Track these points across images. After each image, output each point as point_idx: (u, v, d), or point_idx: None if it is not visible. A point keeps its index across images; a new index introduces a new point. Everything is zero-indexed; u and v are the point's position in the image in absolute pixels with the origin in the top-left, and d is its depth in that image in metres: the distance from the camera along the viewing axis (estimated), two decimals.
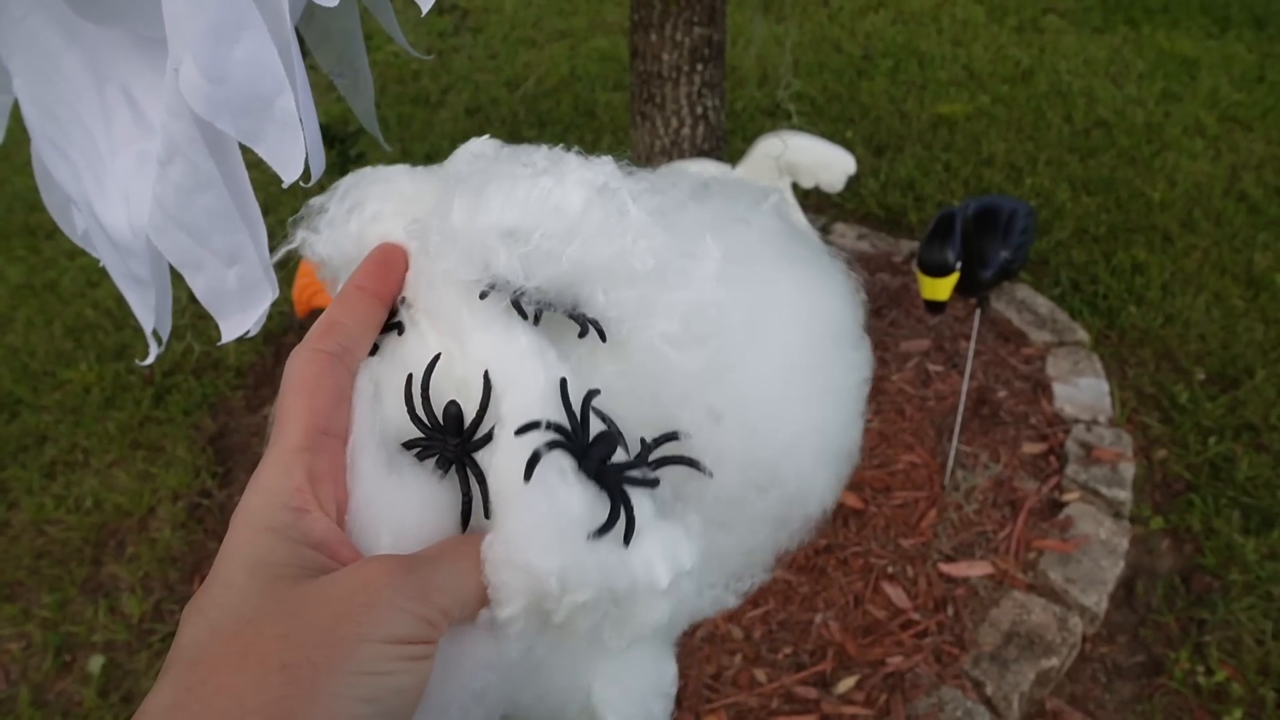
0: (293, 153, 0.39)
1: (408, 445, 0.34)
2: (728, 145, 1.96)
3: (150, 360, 0.51)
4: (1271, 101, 3.31)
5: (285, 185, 0.39)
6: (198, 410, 2.34)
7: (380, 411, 0.34)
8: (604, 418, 0.33)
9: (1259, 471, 1.94)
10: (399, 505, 0.33)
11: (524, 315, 0.33)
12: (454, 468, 0.33)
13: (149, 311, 0.49)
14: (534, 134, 3.42)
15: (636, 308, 0.33)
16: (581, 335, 0.33)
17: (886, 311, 2.38)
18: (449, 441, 0.33)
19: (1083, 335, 2.27)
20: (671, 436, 0.33)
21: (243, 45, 0.37)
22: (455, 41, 4.01)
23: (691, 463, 0.33)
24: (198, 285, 0.45)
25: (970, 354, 1.78)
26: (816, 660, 1.62)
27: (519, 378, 0.32)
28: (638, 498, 0.32)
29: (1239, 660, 1.63)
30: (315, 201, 0.40)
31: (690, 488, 0.34)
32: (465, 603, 0.31)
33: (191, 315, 2.19)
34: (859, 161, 1.68)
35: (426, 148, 3.36)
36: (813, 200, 2.79)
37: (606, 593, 0.31)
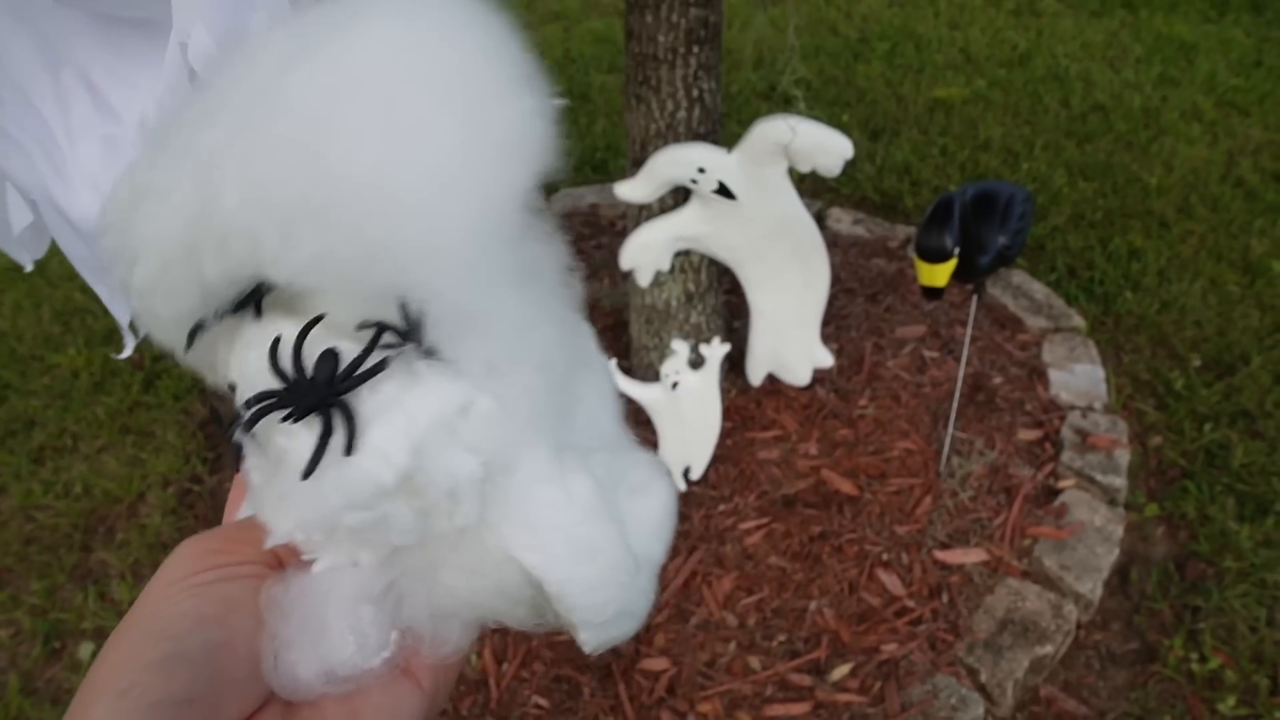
0: None
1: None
2: (723, 128, 1.94)
3: (126, 354, 0.49)
4: (1269, 86, 3.30)
5: None
6: (188, 395, 2.32)
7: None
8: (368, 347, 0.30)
9: (1254, 458, 1.94)
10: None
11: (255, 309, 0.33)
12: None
13: (123, 302, 0.47)
14: None
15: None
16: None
17: (882, 297, 2.37)
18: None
19: (1079, 321, 2.26)
20: (412, 312, 0.31)
21: (261, 15, 0.37)
22: None
23: (400, 331, 0.30)
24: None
25: (966, 340, 1.77)
26: (811, 648, 1.62)
27: (252, 363, 0.32)
28: (369, 389, 0.30)
29: (1233, 647, 1.63)
30: None
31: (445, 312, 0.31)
32: (266, 553, 0.31)
33: None
34: (855, 146, 1.66)
35: None
36: (809, 185, 2.77)
37: (360, 506, 0.29)
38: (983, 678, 1.54)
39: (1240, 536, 1.79)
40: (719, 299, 2.03)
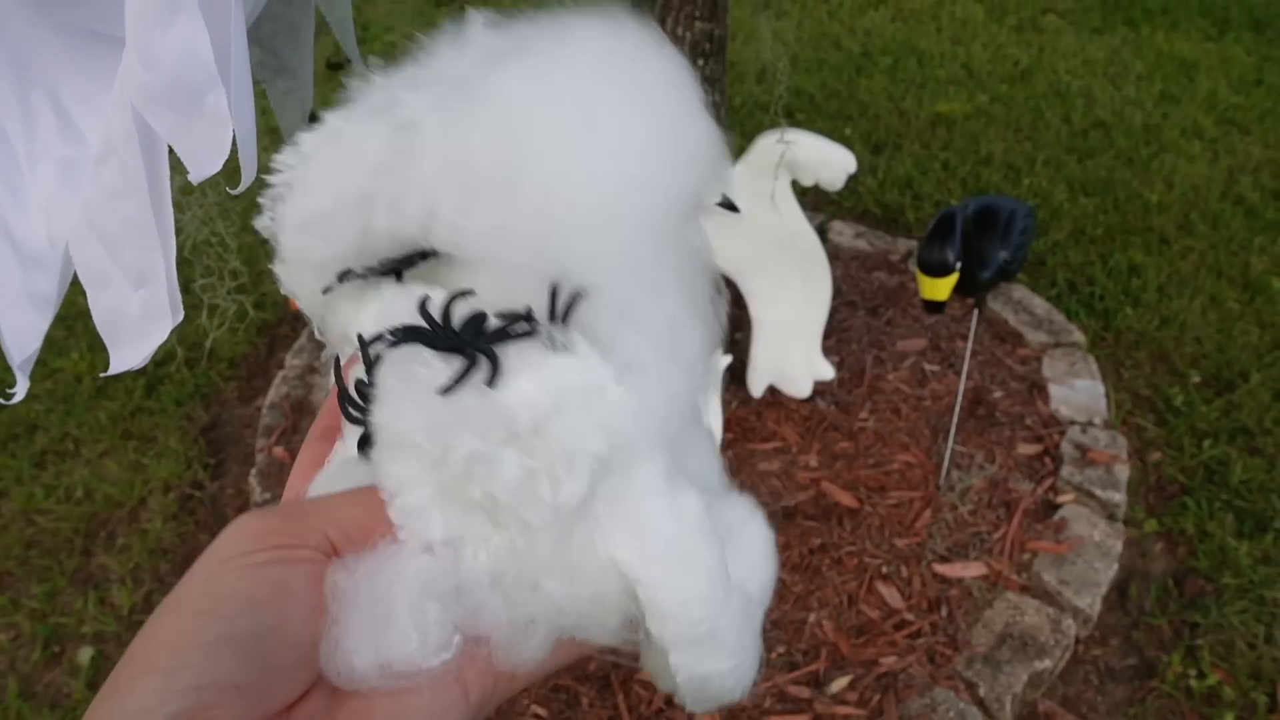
0: (213, 151, 0.37)
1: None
2: (727, 141, 1.95)
3: (18, 398, 0.49)
4: (1269, 105, 3.31)
5: (193, 182, 0.38)
6: (190, 401, 2.33)
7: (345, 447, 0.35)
8: (495, 316, 0.31)
9: (1253, 475, 1.95)
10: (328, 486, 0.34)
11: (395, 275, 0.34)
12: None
13: (35, 336, 0.47)
14: None
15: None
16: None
17: (883, 310, 2.38)
18: (358, 404, 0.32)
19: (1079, 337, 2.27)
20: (568, 295, 0.31)
21: (176, 30, 0.35)
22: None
23: (573, 295, 0.31)
24: (99, 306, 0.43)
25: (967, 354, 1.78)
26: (809, 660, 1.62)
27: (395, 316, 0.32)
28: (515, 349, 0.30)
29: (1231, 664, 1.63)
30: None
31: (604, 308, 0.32)
32: (350, 530, 0.31)
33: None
34: (857, 159, 1.67)
35: None
36: (811, 198, 2.78)
37: (483, 435, 0.29)
38: (981, 692, 1.54)
39: (1239, 553, 1.79)
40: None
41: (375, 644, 0.29)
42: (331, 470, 0.35)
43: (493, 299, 0.32)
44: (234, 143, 0.37)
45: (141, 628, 0.28)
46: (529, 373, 0.30)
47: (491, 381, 0.29)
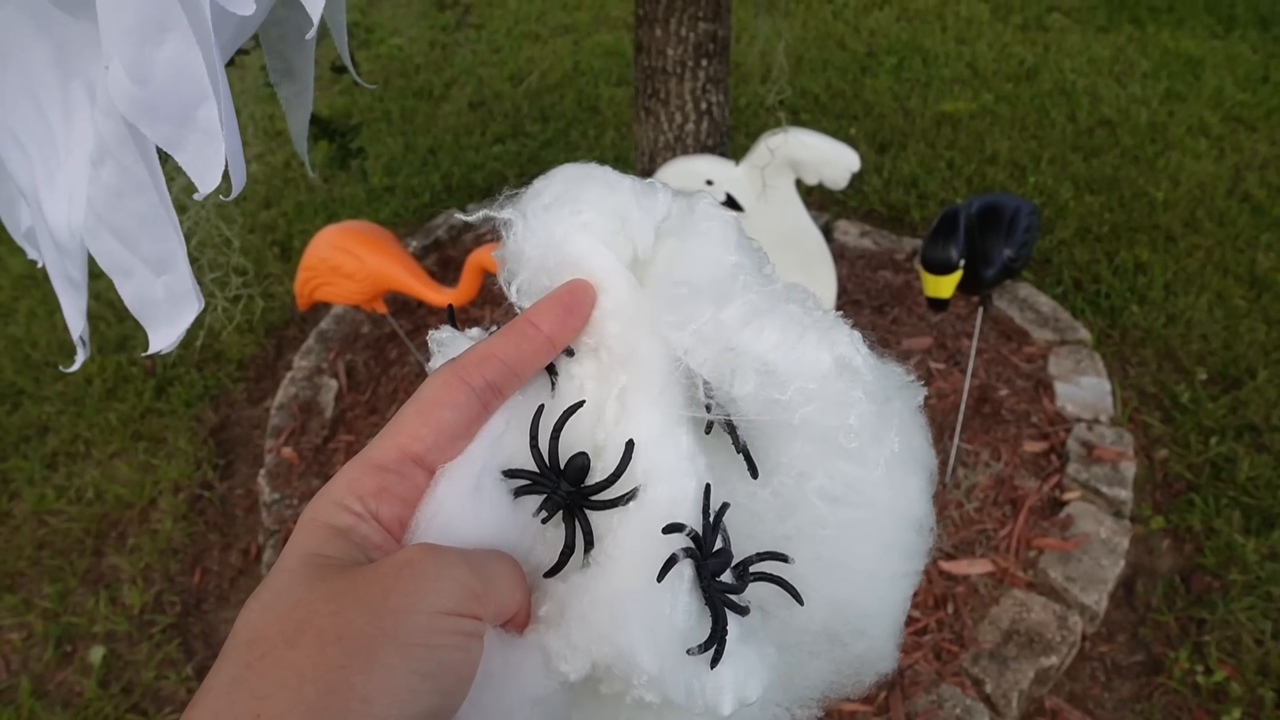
0: (212, 163, 0.38)
1: (510, 474, 0.33)
2: (731, 141, 1.96)
3: (76, 367, 0.50)
4: (1276, 102, 3.31)
5: (200, 196, 0.38)
6: (199, 402, 2.34)
7: (498, 448, 0.34)
8: (724, 533, 0.33)
9: (1260, 472, 1.94)
10: (463, 527, 0.33)
11: (730, 436, 0.35)
12: (560, 513, 0.33)
13: (80, 316, 0.48)
14: (537, 129, 3.42)
15: (807, 462, 0.35)
16: (750, 473, 0.35)
17: (889, 309, 2.38)
18: (561, 486, 0.33)
19: (1085, 334, 2.26)
20: (778, 556, 0.34)
21: (167, 47, 0.36)
22: (457, 34, 4.00)
23: (788, 586, 0.34)
24: (126, 292, 0.44)
25: (972, 352, 1.78)
26: None
27: (670, 470, 0.33)
28: (731, 620, 0.32)
29: (1238, 660, 1.63)
30: (538, 184, 0.37)
31: (778, 614, 0.35)
32: (504, 602, 0.31)
33: None
34: (862, 159, 1.68)
35: (429, 141, 3.35)
36: (816, 197, 2.78)
37: (669, 701, 0.31)
38: (988, 688, 1.54)
39: (1246, 549, 1.79)
40: None
41: None
42: (470, 479, 0.33)
43: (735, 510, 0.35)
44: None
45: (331, 626, 0.27)
46: (732, 665, 0.32)
47: (714, 663, 0.32)
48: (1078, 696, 1.60)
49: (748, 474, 0.35)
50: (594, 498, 0.33)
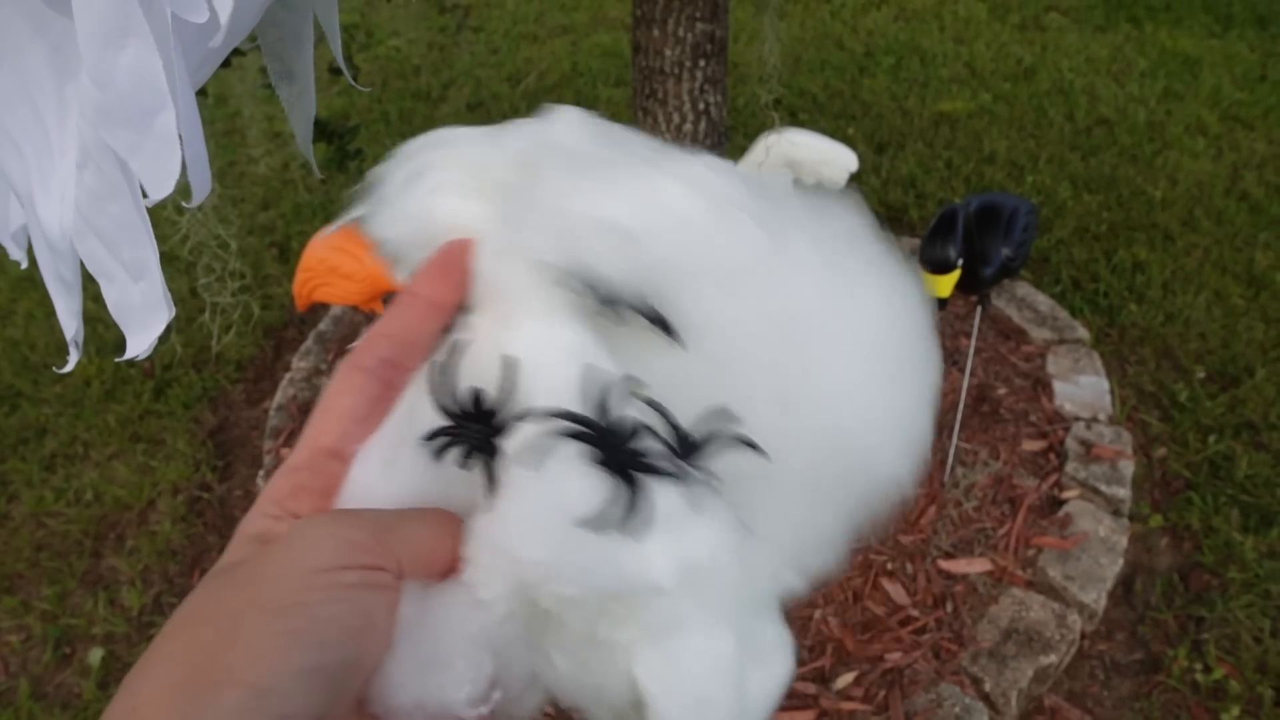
0: (167, 171, 0.38)
1: (429, 437, 0.32)
2: (729, 141, 1.96)
3: (69, 368, 0.50)
4: (1273, 101, 3.31)
5: (151, 203, 0.38)
6: (198, 404, 2.34)
7: (414, 419, 0.33)
8: (657, 407, 0.31)
9: (1258, 470, 1.95)
10: (377, 497, 0.32)
11: (612, 313, 0.32)
12: (475, 456, 0.31)
13: (73, 317, 0.48)
14: None
15: (724, 311, 0.32)
16: (666, 333, 0.32)
17: None
18: (471, 428, 0.31)
19: (1083, 333, 2.27)
20: (723, 416, 0.31)
21: (129, 52, 0.36)
22: (456, 36, 4.00)
23: (747, 442, 0.31)
24: (110, 296, 0.44)
25: (971, 351, 1.79)
26: (815, 656, 1.63)
27: (551, 367, 0.31)
28: (661, 488, 0.29)
29: (1237, 658, 1.63)
30: (378, 170, 0.37)
31: (749, 470, 0.32)
32: (420, 551, 0.30)
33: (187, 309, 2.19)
34: (860, 158, 1.68)
35: None
36: None
37: (594, 590, 0.29)
38: (987, 687, 1.55)
39: (1245, 548, 1.79)
40: None
41: (424, 683, 0.29)
42: (385, 452, 0.33)
43: (672, 389, 0.31)
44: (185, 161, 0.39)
45: (206, 611, 0.27)
46: (666, 535, 0.29)
47: (631, 533, 0.28)
48: (1077, 695, 1.60)
49: (680, 351, 0.32)
50: (500, 424, 0.31)
